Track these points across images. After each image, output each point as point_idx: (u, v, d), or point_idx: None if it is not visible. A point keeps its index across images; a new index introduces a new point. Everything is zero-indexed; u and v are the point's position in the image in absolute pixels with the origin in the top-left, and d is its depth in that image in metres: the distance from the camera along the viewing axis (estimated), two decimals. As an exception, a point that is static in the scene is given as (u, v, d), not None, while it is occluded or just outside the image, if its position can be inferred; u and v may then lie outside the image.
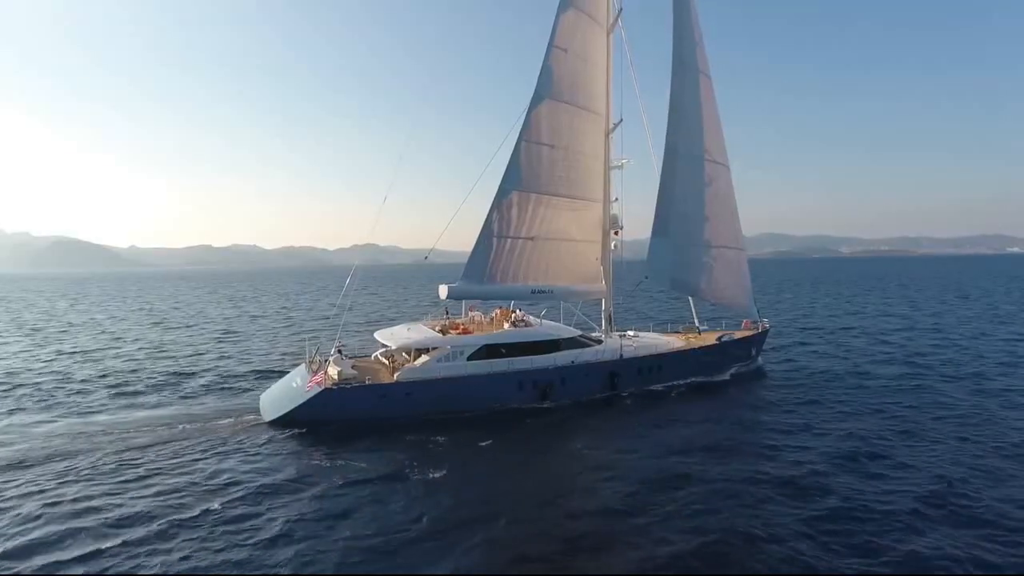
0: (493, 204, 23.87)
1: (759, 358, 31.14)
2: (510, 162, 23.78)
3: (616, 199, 27.79)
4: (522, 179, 24.15)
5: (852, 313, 58.14)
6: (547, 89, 24.01)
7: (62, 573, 11.12)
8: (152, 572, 11.14)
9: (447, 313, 26.23)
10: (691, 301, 31.49)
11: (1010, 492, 14.63)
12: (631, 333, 29.82)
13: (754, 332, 30.75)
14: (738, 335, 30.08)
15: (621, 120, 26.55)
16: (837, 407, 22.67)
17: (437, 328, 24.44)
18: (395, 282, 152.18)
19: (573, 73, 24.78)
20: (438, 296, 24.67)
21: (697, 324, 31.14)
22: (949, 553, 11.74)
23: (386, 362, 23.88)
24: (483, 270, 24.13)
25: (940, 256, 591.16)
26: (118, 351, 38.50)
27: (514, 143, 23.85)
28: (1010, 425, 20.11)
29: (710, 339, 29.09)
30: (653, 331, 31.43)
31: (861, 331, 44.17)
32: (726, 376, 27.73)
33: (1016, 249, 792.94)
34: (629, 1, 26.16)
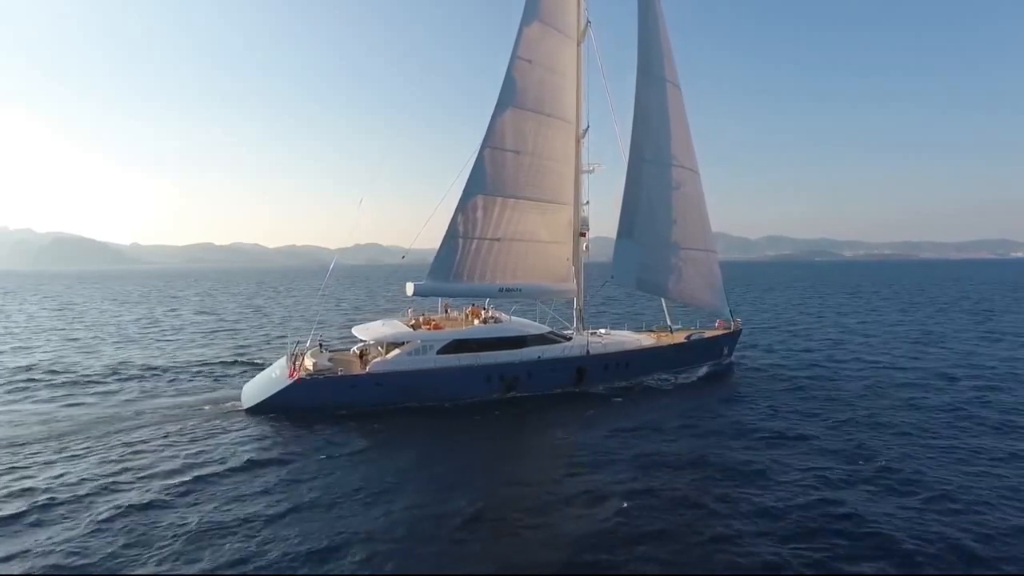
0: (457, 207, 25.05)
1: (731, 356, 32.14)
2: (474, 168, 24.96)
3: (588, 202, 28.99)
4: (486, 184, 25.32)
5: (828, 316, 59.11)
6: (511, 98, 25.21)
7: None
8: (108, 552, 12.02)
9: (415, 311, 27.34)
10: (663, 301, 32.53)
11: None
12: (602, 331, 30.90)
13: (725, 331, 31.77)
14: (708, 334, 31.13)
15: (588, 127, 27.80)
16: (803, 402, 23.65)
17: (410, 324, 25.60)
18: (389, 281, 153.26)
19: (539, 83, 25.97)
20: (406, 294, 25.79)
21: (669, 323, 32.17)
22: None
23: (360, 355, 25.04)
24: (449, 269, 25.30)
25: (941, 260, 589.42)
26: (117, 343, 39.79)
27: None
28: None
29: (681, 338, 30.15)
30: (627, 330, 32.52)
31: (830, 334, 45.20)
32: (697, 374, 28.72)
33: (1021, 254, 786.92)
34: (609, 9, 27.34)
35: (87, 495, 14.48)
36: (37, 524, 13.12)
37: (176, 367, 30.67)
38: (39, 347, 38.73)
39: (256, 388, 23.15)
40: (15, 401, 23.89)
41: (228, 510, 13.78)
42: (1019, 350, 35.98)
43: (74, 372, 29.46)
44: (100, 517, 13.32)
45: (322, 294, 68.81)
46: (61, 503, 14.06)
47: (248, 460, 16.96)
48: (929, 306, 68.17)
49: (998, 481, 15.53)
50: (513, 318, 27.01)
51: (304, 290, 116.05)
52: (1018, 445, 18.32)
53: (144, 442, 18.32)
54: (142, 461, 16.75)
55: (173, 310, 70.09)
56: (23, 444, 18.20)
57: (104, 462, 16.61)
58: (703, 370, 29.17)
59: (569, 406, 23.66)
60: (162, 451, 17.55)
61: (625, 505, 14.12)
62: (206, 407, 22.43)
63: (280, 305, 76.70)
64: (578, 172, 28.31)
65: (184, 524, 13.05)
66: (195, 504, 14.07)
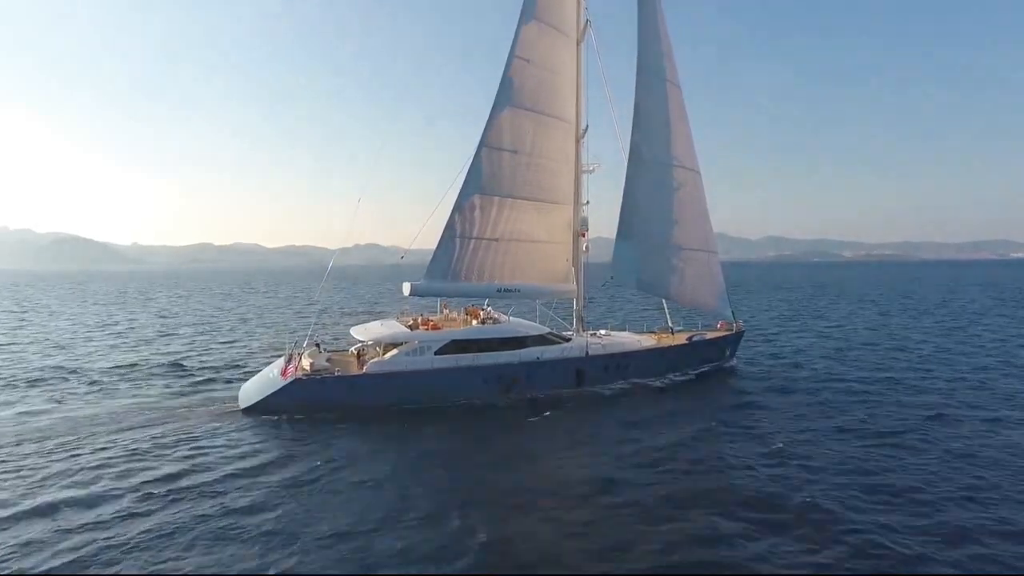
0: (455, 207, 24.92)
1: (734, 358, 31.87)
2: (471, 167, 24.84)
3: (587, 202, 28.82)
4: (483, 183, 25.19)
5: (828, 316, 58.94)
6: (508, 98, 25.09)
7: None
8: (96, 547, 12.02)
9: (406, 311, 27.23)
10: (664, 302, 32.31)
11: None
12: (602, 332, 30.68)
13: (727, 333, 31.53)
14: (710, 335, 30.87)
15: (588, 127, 27.66)
16: (806, 406, 23.26)
17: (408, 324, 25.43)
18: (385, 280, 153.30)
19: (537, 82, 25.84)
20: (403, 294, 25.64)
21: (671, 324, 31.93)
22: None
23: (358, 355, 24.91)
24: (447, 269, 25.17)
25: (941, 261, 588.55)
26: (116, 342, 39.64)
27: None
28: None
29: (682, 339, 29.92)
30: (628, 331, 32.28)
31: (833, 336, 45.03)
32: (697, 374, 28.49)
33: (1021, 254, 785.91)
34: (609, 9, 27.26)
35: (83, 495, 14.34)
36: (32, 524, 12.99)
37: (174, 366, 30.51)
38: (28, 345, 38.61)
39: (253, 388, 23.01)
40: (6, 401, 23.74)
41: (224, 510, 13.65)
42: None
43: (72, 371, 29.31)
44: (97, 518, 13.22)
45: (319, 295, 68.62)
46: (57, 503, 13.94)
47: (244, 460, 16.83)
48: (929, 308, 68.00)
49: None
50: (512, 319, 26.86)
51: (288, 291, 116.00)
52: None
53: (141, 442, 18.17)
54: (139, 461, 16.61)
55: (137, 308, 69.93)
56: (16, 444, 18.05)
57: (102, 462, 16.47)
58: (704, 370, 28.93)
59: (567, 408, 23.44)
60: (159, 451, 17.41)
61: (621, 507, 13.99)
62: (203, 407, 22.33)
63: (254, 306, 76.18)
64: (578, 172, 28.15)
65: (180, 524, 12.92)
66: (191, 504, 13.93)
